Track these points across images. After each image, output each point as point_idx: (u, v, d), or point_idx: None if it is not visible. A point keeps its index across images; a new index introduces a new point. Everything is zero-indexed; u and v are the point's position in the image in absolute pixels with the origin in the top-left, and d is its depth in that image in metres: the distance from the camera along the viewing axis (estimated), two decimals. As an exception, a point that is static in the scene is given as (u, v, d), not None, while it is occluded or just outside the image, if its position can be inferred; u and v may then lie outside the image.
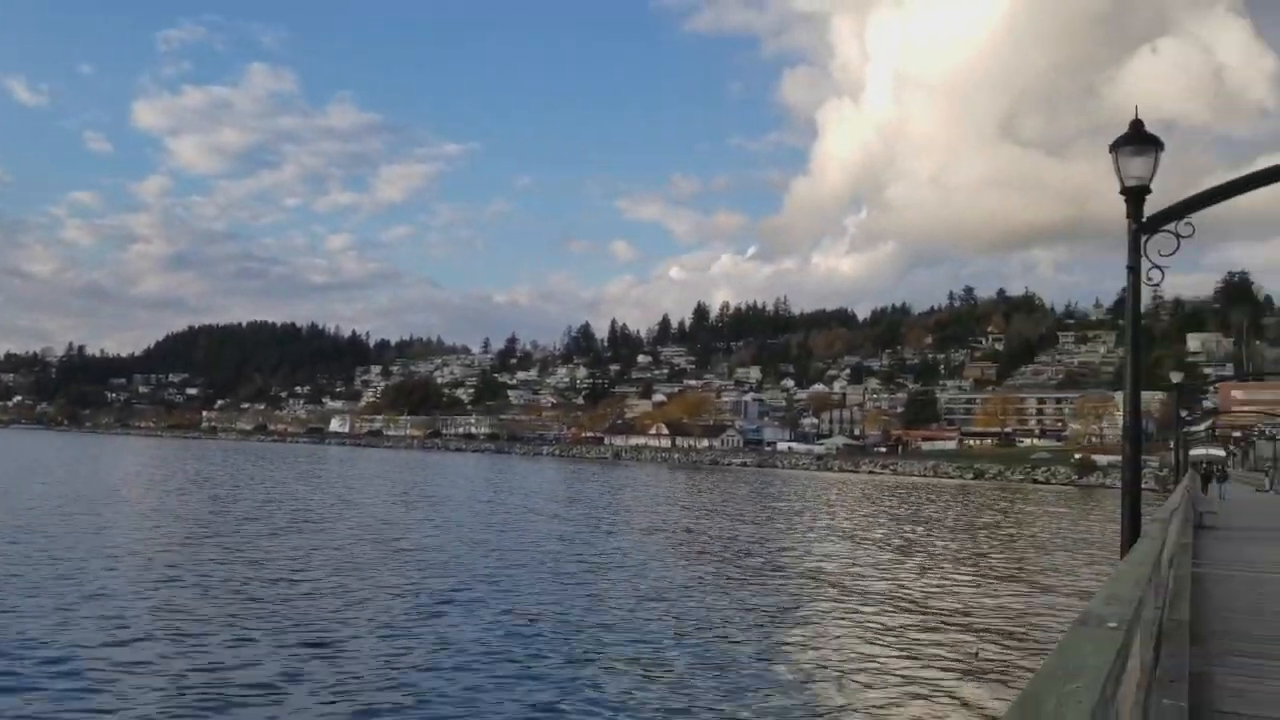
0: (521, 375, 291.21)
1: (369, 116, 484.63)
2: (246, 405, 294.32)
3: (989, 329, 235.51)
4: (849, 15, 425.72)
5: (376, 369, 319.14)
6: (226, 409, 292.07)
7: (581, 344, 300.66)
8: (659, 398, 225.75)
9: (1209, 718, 6.17)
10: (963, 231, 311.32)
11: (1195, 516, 23.44)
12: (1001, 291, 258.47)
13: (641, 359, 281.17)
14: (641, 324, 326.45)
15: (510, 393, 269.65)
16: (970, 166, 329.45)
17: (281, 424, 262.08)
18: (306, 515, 42.69)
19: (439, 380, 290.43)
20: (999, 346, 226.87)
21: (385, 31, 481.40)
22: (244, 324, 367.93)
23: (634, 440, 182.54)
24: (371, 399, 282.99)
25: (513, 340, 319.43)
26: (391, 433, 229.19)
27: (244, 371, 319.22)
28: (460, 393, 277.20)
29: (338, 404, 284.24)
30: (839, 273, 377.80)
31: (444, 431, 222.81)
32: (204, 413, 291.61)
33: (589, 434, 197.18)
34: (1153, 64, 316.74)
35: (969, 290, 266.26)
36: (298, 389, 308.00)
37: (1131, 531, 8.86)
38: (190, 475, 75.26)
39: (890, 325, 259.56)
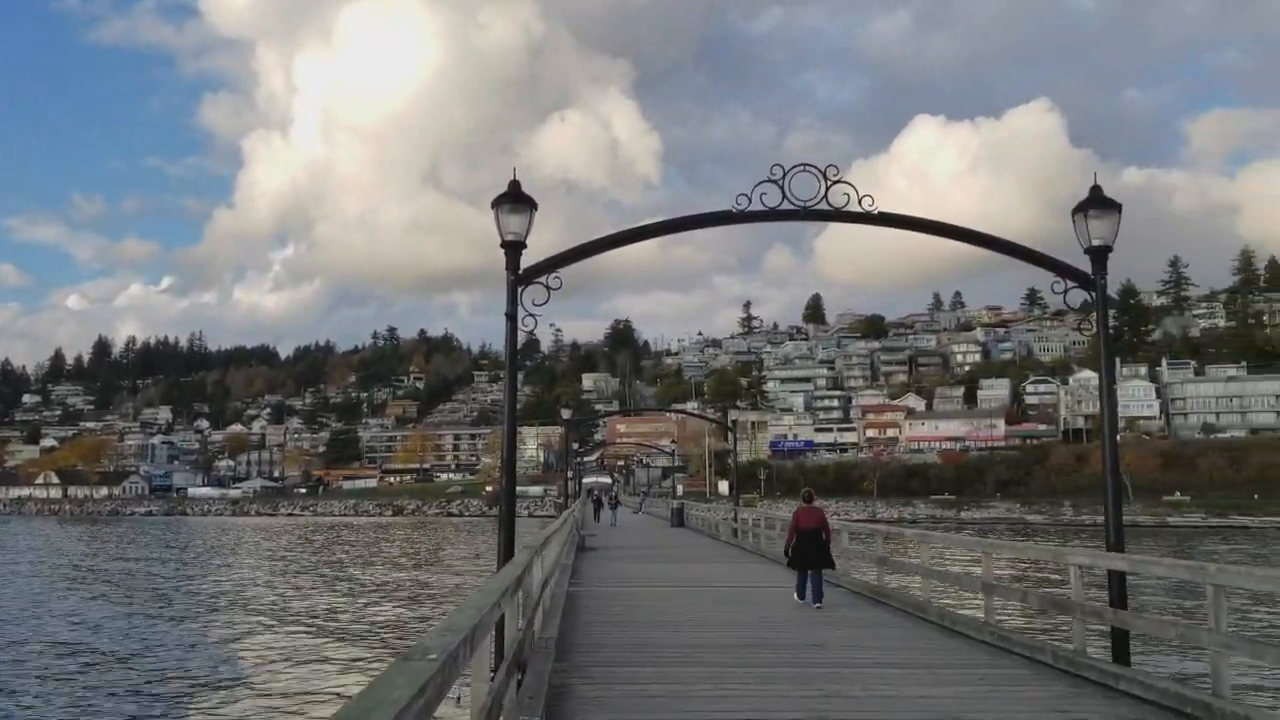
0: None
1: None
2: None
3: (411, 368, 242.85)
4: (275, 47, 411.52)
5: None
6: None
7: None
8: (49, 443, 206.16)
9: (563, 727, 6.81)
10: (389, 272, 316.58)
11: (579, 539, 26.09)
12: (423, 332, 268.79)
13: (28, 399, 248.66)
14: (29, 359, 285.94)
15: None
16: (396, 210, 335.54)
17: None
18: None
19: None
20: (420, 385, 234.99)
21: None
22: None
23: (16, 491, 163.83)
24: None
25: None
26: None
27: None
28: None
29: None
30: (262, 309, 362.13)
31: None
32: None
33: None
34: (562, 131, 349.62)
35: (392, 330, 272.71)
36: None
37: (507, 558, 9.51)
38: None
39: (314, 363, 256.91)
